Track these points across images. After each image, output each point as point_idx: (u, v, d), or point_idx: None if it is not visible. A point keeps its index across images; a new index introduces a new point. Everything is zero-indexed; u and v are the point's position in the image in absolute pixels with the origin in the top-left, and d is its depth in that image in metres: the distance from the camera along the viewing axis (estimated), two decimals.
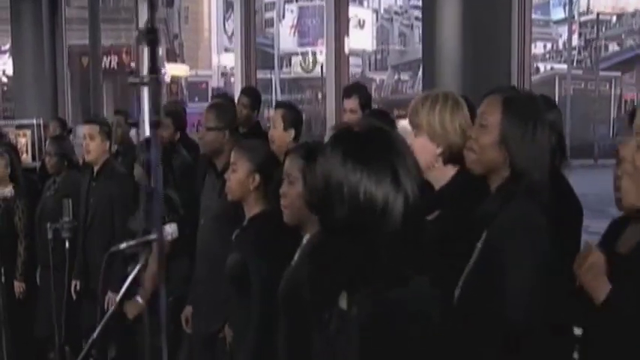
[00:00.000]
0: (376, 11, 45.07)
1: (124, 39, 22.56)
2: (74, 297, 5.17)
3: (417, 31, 39.79)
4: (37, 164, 7.19)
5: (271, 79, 43.31)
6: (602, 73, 30.06)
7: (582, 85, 28.84)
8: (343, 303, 2.14)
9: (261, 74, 42.61)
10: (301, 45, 43.33)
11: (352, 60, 33.98)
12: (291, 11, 43.83)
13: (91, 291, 4.93)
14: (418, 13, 41.73)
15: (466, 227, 2.39)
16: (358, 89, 5.09)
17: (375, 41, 44.36)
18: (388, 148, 1.71)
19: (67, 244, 3.73)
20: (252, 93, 5.96)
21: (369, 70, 42.34)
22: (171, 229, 2.78)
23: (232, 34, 45.57)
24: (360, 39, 42.96)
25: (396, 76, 39.88)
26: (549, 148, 2.48)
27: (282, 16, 43.15)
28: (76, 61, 23.13)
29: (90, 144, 5.00)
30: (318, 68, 36.16)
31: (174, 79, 25.30)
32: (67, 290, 4.69)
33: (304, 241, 2.80)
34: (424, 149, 2.58)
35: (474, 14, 5.23)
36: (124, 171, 5.17)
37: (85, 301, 5.08)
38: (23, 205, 5.55)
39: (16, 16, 8.05)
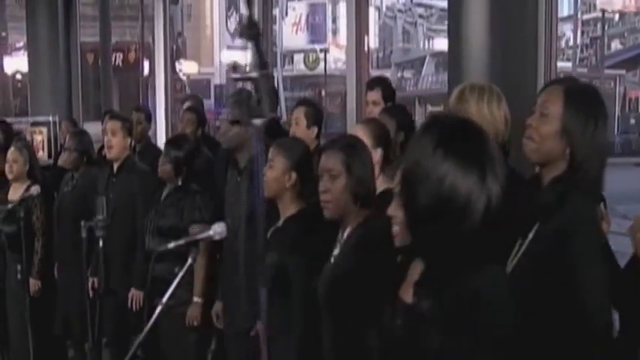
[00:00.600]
0: (378, 9, 45.01)
1: (128, 36, 22.48)
2: (91, 294, 5.15)
3: (421, 29, 39.87)
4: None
5: (274, 77, 43.34)
6: (606, 71, 30.05)
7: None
8: (408, 296, 2.12)
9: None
10: (304, 42, 43.29)
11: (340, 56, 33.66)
12: (294, 9, 43.75)
13: (112, 289, 4.91)
14: (422, 11, 41.81)
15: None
16: (381, 82, 5.12)
17: (377, 39, 44.29)
18: (480, 146, 1.69)
19: (100, 243, 3.68)
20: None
21: (371, 67, 42.26)
22: (220, 229, 2.75)
23: (235, 31, 45.56)
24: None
25: (399, 74, 39.86)
26: (608, 144, 2.49)
27: (284, 14, 43.07)
28: (84, 58, 23.19)
29: (112, 140, 5.00)
30: (321, 66, 36.09)
31: (178, 78, 25.19)
32: (99, 288, 4.63)
33: (344, 235, 2.78)
34: None
35: (501, 9, 5.19)
36: (145, 167, 5.15)
37: (104, 299, 4.99)
38: (41, 203, 5.54)
39: (32, 13, 8.02)
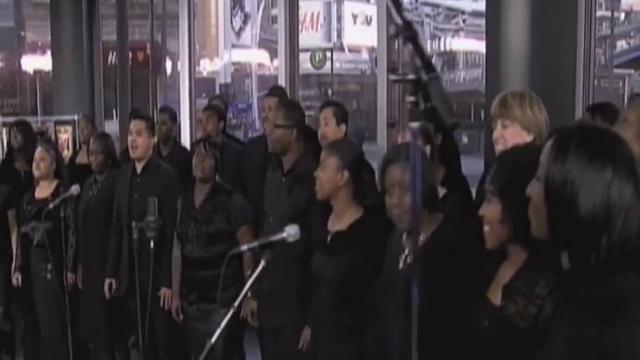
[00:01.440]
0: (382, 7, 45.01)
1: (137, 35, 22.39)
2: (107, 295, 5.18)
3: (428, 28, 39.77)
4: None
5: (277, 76, 43.31)
6: (615, 71, 29.95)
7: (595, 83, 28.66)
8: (496, 299, 2.11)
9: (267, 70, 42.35)
10: (309, 41, 43.25)
11: (356, 56, 33.87)
12: (299, 7, 43.77)
13: (136, 290, 4.86)
14: (428, 10, 41.75)
15: None
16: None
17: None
18: (628, 152, 1.69)
19: (151, 244, 3.66)
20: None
21: (374, 67, 42.24)
22: (293, 231, 2.74)
23: (240, 30, 45.49)
24: (367, 36, 42.89)
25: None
26: None
27: None
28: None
29: (137, 139, 4.98)
30: (327, 64, 36.02)
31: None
32: (151, 291, 4.60)
33: (420, 240, 2.76)
34: (516, 136, 2.91)
35: (540, 14, 5.17)
36: (170, 168, 5.14)
37: (130, 300, 5.03)
38: (73, 199, 5.52)
39: (56, 12, 8.01)
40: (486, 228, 2.16)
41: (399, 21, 1.43)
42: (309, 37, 43.98)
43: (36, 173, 5.50)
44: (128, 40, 10.17)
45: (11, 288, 5.72)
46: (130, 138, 5.01)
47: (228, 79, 43.09)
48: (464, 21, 36.80)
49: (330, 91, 34.50)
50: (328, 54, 36.30)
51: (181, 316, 4.74)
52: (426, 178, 2.71)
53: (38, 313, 5.55)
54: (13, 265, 5.62)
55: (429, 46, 40.28)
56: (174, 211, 4.70)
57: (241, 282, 4.47)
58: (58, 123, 7.84)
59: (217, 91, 40.60)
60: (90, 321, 5.33)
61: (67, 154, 7.38)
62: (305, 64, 42.85)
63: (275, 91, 5.68)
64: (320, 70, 36.24)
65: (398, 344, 2.72)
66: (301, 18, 44.70)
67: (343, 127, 4.70)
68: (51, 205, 4.70)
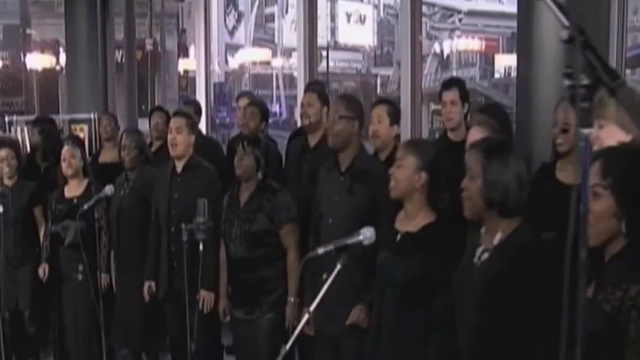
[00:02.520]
0: (376, 7, 44.93)
1: (137, 33, 22.27)
2: (147, 298, 5.08)
3: (424, 27, 39.73)
4: None
5: (271, 74, 43.21)
6: None
7: None
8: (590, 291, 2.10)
9: (261, 69, 42.15)
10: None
11: (351, 55, 33.75)
12: (293, 6, 43.66)
13: (176, 293, 4.81)
14: (425, 9, 41.70)
15: None
16: (457, 82, 5.07)
17: (375, 37, 44.21)
18: None
19: (200, 246, 3.59)
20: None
21: (373, 65, 42.22)
22: (369, 234, 2.69)
23: (233, 28, 45.35)
24: (361, 34, 42.88)
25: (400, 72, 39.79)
26: None
27: (284, 11, 42.97)
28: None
29: (177, 137, 4.87)
30: (323, 64, 35.94)
31: (185, 74, 24.99)
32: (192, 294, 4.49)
33: (495, 241, 2.72)
34: (614, 135, 2.75)
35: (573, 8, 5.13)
36: (211, 166, 5.04)
37: (168, 304, 4.98)
38: (104, 196, 5.43)
39: (71, 10, 7.93)
40: (592, 223, 2.13)
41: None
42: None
43: (67, 172, 5.39)
44: (135, 38, 10.05)
45: (38, 290, 5.63)
46: (169, 136, 4.90)
47: (222, 79, 42.90)
48: (460, 20, 36.79)
49: (326, 90, 34.34)
50: (324, 53, 36.24)
51: (228, 318, 4.66)
52: (490, 177, 2.65)
53: (66, 314, 5.44)
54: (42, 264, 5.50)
55: (425, 46, 40.44)
56: (218, 210, 4.62)
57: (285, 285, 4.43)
58: (73, 121, 7.75)
59: (212, 89, 40.63)
60: (123, 324, 5.23)
61: None
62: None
63: (314, 86, 5.57)
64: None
65: (471, 345, 2.68)
66: (295, 16, 44.55)
67: (396, 128, 4.60)
68: (86, 206, 4.60)
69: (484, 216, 2.71)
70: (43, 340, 5.96)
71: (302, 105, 5.12)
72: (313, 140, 5.05)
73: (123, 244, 5.28)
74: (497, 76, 36.04)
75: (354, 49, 42.83)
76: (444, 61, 38.10)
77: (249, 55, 42.52)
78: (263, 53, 41.79)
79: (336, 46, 41.56)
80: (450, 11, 37.83)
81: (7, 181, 5.63)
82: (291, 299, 4.35)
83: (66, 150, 5.45)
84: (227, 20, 44.92)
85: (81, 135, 7.65)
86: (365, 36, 43.34)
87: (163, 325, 5.17)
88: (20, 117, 7.86)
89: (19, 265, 5.64)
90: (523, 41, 5.46)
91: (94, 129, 7.71)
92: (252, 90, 44.27)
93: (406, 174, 3.26)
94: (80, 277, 5.31)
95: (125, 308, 5.27)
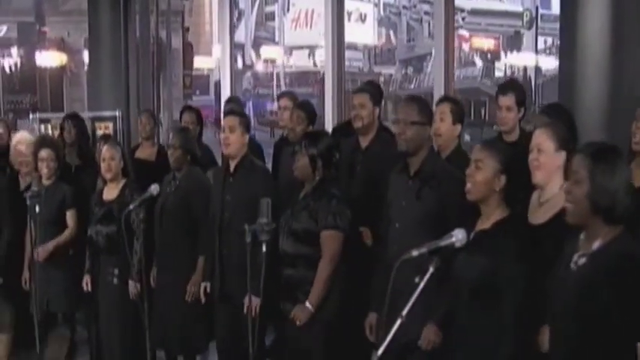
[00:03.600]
0: (377, 5, 44.87)
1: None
2: (203, 300, 4.99)
3: (427, 26, 39.65)
4: None
5: (273, 72, 43.15)
6: None
7: None
8: None
9: (262, 68, 42.10)
10: (303, 38, 43.11)
11: (352, 54, 33.60)
12: (294, 4, 43.59)
13: (226, 295, 4.77)
14: (428, 8, 41.64)
15: None
16: (514, 86, 5.01)
17: (376, 35, 44.16)
18: None
19: (264, 248, 3.52)
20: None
21: (374, 64, 42.15)
22: (461, 235, 2.62)
23: (234, 27, 45.31)
24: (362, 33, 42.78)
25: (403, 71, 39.73)
26: None
27: (286, 10, 42.91)
28: None
29: (229, 136, 4.76)
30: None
31: (188, 73, 24.82)
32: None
33: (594, 246, 2.65)
34: None
35: (617, 15, 5.07)
36: (264, 165, 4.96)
37: (219, 305, 4.90)
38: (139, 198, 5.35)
39: (94, 7, 7.85)
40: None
41: None
42: (304, 35, 43.88)
43: (107, 175, 5.29)
44: (151, 36, 9.95)
45: (74, 293, 5.55)
46: (222, 135, 4.82)
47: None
48: (463, 19, 36.70)
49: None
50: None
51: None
52: (598, 181, 2.57)
53: (102, 318, 5.36)
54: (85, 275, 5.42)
55: (428, 44, 40.33)
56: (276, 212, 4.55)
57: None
58: (96, 119, 7.67)
59: (212, 87, 40.45)
60: (161, 325, 5.12)
61: None
62: (299, 61, 42.79)
63: (365, 87, 5.46)
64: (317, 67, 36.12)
65: (565, 352, 2.62)
66: (296, 15, 44.81)
67: (459, 127, 4.52)
68: (132, 206, 4.50)
69: (587, 221, 2.64)
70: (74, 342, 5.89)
71: (353, 106, 5.01)
72: (365, 141, 4.98)
73: (164, 244, 5.17)
74: (497, 74, 36.02)
75: (355, 47, 42.71)
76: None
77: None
78: (270, 50, 41.47)
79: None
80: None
81: (44, 182, 5.53)
82: (307, 305, 4.24)
83: (105, 150, 5.33)
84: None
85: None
86: (366, 34, 43.26)
87: (203, 327, 5.10)
88: (44, 114, 7.74)
89: (51, 268, 5.54)
90: (566, 42, 5.42)
91: (120, 126, 7.65)
92: (252, 88, 44.27)
93: (486, 177, 3.20)
94: (115, 281, 5.24)
95: (163, 309, 5.16)
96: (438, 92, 6.40)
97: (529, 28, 32.65)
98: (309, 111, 5.54)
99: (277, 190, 4.75)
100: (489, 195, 3.21)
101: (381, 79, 38.12)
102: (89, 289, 5.36)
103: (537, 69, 30.85)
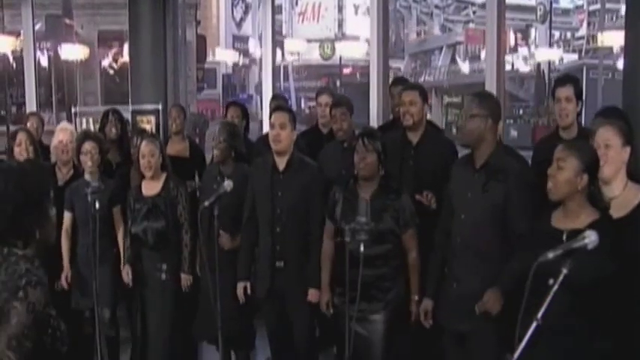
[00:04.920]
0: None
1: None
2: (242, 300, 4.89)
3: (437, 20, 39.54)
4: None
5: (280, 66, 43.10)
6: None
7: (609, 75, 28.60)
8: None
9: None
10: (310, 32, 43.07)
11: (352, 46, 33.45)
12: None
13: (277, 292, 4.70)
14: (438, 1, 41.46)
15: None
16: (571, 79, 4.95)
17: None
18: None
19: (361, 248, 3.44)
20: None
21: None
22: (593, 237, 2.57)
23: (241, 20, 45.28)
24: (368, 26, 42.71)
25: (413, 64, 39.66)
26: None
27: (294, 3, 42.84)
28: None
29: (281, 133, 4.68)
30: (336, 55, 35.83)
31: (200, 67, 24.71)
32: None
33: None
34: None
35: None
36: (314, 162, 4.88)
37: (267, 302, 4.82)
38: (185, 193, 5.28)
39: (134, 1, 7.75)
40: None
41: None
42: (311, 28, 43.84)
43: (147, 170, 5.17)
44: (179, 30, 9.85)
45: (118, 291, 5.46)
46: (272, 132, 4.71)
47: (230, 70, 42.76)
48: (474, 12, 36.65)
49: (338, 82, 34.27)
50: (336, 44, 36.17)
51: (331, 310, 4.52)
52: None
53: (149, 314, 5.26)
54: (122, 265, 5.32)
55: (438, 38, 40.22)
56: (323, 207, 4.50)
57: (401, 284, 4.35)
58: (137, 113, 7.55)
59: (220, 81, 40.40)
60: (211, 322, 4.89)
61: None
62: (307, 55, 42.71)
63: (414, 85, 5.40)
64: (327, 60, 36.10)
65: None
66: (302, 8, 44.79)
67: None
68: (207, 203, 4.39)
69: None
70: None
71: (403, 103, 4.94)
72: (415, 137, 4.92)
73: (211, 237, 5.06)
74: (507, 67, 35.95)
75: (354, 39, 42.63)
76: (458, 54, 38.06)
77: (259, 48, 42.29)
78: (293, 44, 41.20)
79: (344, 38, 41.43)
80: (464, 3, 37.72)
81: (87, 177, 5.39)
82: (415, 297, 4.30)
83: (144, 146, 5.22)
84: (234, 12, 44.74)
85: (147, 127, 7.46)
86: (366, 27, 43.19)
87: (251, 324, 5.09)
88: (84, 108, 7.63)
89: (98, 264, 5.44)
90: (633, 39, 5.33)
91: (162, 120, 7.55)
92: (260, 82, 44.17)
93: (568, 176, 3.20)
94: (164, 276, 5.16)
95: (213, 306, 5.06)
96: (490, 83, 6.30)
97: (543, 22, 32.56)
98: (349, 105, 5.49)
99: (328, 187, 4.66)
100: (572, 194, 3.20)
101: (390, 73, 38.07)
102: (130, 280, 5.27)
103: (550, 63, 30.78)
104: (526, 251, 3.34)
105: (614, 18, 42.52)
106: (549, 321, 3.17)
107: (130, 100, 7.68)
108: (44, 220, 2.55)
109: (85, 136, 5.58)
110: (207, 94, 33.68)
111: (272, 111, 4.98)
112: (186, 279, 5.17)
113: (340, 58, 34.27)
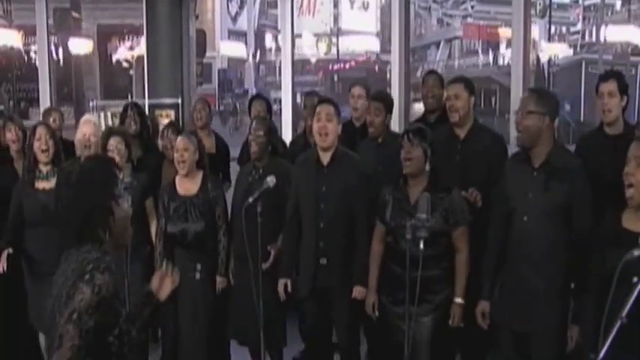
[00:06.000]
0: None
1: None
2: (283, 297, 4.76)
3: (435, 14, 39.47)
4: None
5: (275, 61, 42.93)
6: (632, 59, 29.82)
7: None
8: None
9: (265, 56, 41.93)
10: (307, 26, 42.88)
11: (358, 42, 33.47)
12: None
13: (320, 290, 4.59)
14: None
15: None
16: (615, 74, 4.84)
17: (379, 23, 44.05)
18: None
19: (421, 245, 3.33)
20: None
21: (379, 51, 42.02)
22: None
23: (236, 15, 45.15)
24: (364, 21, 42.67)
25: (411, 59, 39.61)
26: None
27: None
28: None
29: (327, 126, 4.55)
30: (334, 50, 35.73)
31: (199, 61, 24.49)
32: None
33: None
34: None
35: None
36: (357, 156, 4.75)
37: (310, 300, 4.69)
38: (223, 195, 5.14)
39: None
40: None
41: None
42: (306, 22, 43.63)
43: (181, 166, 5.00)
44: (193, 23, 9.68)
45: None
46: (317, 124, 4.55)
47: (225, 65, 42.58)
48: (472, 7, 36.57)
49: (336, 77, 34.17)
50: (334, 39, 36.03)
51: (376, 313, 4.41)
52: None
53: (182, 314, 5.13)
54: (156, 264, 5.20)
55: (436, 32, 40.10)
56: (368, 202, 4.39)
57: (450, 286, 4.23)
58: (156, 107, 7.43)
59: (215, 76, 40.21)
60: (244, 321, 4.91)
61: None
62: (301, 49, 42.55)
63: (459, 77, 5.28)
64: (326, 55, 35.97)
65: None
66: (298, 3, 44.53)
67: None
68: (250, 199, 4.27)
69: None
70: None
71: (449, 97, 4.82)
72: (462, 132, 4.80)
73: (248, 235, 4.92)
74: (501, 62, 35.91)
75: (353, 33, 42.57)
76: (452, 48, 37.99)
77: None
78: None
79: (340, 32, 41.31)
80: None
81: (118, 173, 5.25)
82: (459, 300, 4.16)
83: (180, 141, 5.05)
84: (230, 6, 44.51)
85: (166, 121, 7.33)
86: (368, 22, 43.13)
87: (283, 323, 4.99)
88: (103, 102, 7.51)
89: (130, 262, 5.32)
90: None
91: (181, 114, 7.44)
92: (258, 77, 44.05)
93: None
94: (198, 276, 5.03)
95: (247, 305, 4.89)
96: (516, 76, 6.21)
97: (542, 17, 32.47)
98: (386, 101, 5.34)
99: (373, 182, 4.55)
100: None
101: (388, 67, 37.96)
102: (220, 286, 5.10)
103: (549, 58, 30.69)
104: (593, 252, 3.27)
105: (610, 13, 42.61)
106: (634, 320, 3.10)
107: (98, 94, 7.55)
108: (110, 220, 2.48)
109: (109, 132, 5.44)
110: (204, 89, 33.50)
111: (317, 104, 4.79)
112: (221, 282, 5.02)
113: (338, 52, 34.18)
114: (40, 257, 5.01)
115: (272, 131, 5.11)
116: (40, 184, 5.08)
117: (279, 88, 27.83)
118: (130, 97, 20.12)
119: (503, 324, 3.96)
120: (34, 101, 18.35)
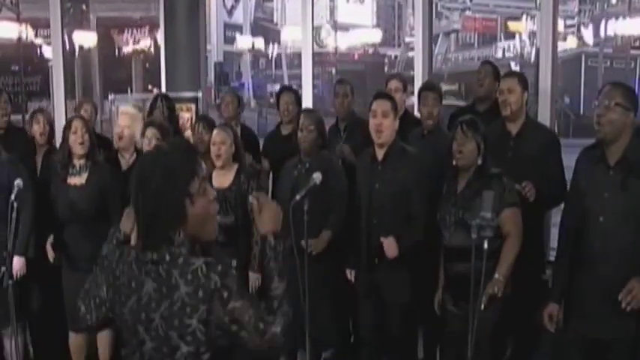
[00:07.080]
0: None
1: (153, 11, 21.69)
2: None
3: (434, 7, 39.20)
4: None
5: (270, 53, 42.74)
6: (632, 52, 29.74)
7: (608, 64, 28.56)
8: None
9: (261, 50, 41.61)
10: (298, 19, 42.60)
11: (347, 34, 33.12)
12: None
13: (375, 286, 4.55)
14: None
15: None
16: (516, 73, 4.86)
17: (375, 17, 43.84)
18: None
19: (485, 245, 3.22)
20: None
21: (379, 45, 41.81)
22: None
23: (232, 8, 44.82)
24: (360, 14, 42.39)
25: (409, 53, 39.42)
26: None
27: None
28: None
29: (383, 122, 4.49)
30: (331, 43, 35.54)
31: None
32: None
33: None
34: None
35: None
36: (414, 150, 4.64)
37: (364, 301, 4.68)
38: (256, 187, 5.02)
39: None
40: None
41: None
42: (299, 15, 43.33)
43: (217, 159, 4.93)
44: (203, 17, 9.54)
45: None
46: (372, 121, 4.47)
47: (221, 58, 42.34)
48: (471, 0, 36.44)
49: (334, 70, 34.00)
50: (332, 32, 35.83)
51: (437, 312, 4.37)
52: None
53: None
54: None
55: (434, 25, 39.92)
56: (425, 198, 4.33)
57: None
58: (175, 100, 7.29)
59: (212, 69, 39.96)
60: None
61: (189, 135, 6.75)
62: (298, 42, 42.35)
63: (513, 71, 5.20)
64: (323, 49, 35.69)
65: None
66: None
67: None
68: (298, 197, 4.15)
69: None
70: None
71: (501, 91, 4.72)
72: (514, 128, 4.71)
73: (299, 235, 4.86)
74: (499, 55, 35.81)
75: (349, 27, 42.34)
76: (454, 41, 37.87)
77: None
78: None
79: (337, 26, 41.09)
80: None
81: None
82: (498, 276, 3.97)
83: (216, 134, 4.98)
84: (225, 0, 44.21)
85: (186, 115, 7.22)
86: (364, 16, 42.89)
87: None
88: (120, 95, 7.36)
89: None
90: None
91: (202, 109, 7.32)
92: (251, 69, 43.80)
93: None
94: (234, 272, 4.91)
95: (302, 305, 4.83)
96: (545, 69, 6.11)
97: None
98: (440, 91, 5.30)
99: (431, 178, 4.46)
100: None
101: (386, 60, 37.92)
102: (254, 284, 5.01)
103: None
104: None
105: (606, 6, 42.52)
106: None
107: (97, 88, 7.41)
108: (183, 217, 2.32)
109: (149, 123, 5.36)
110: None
111: (373, 99, 4.64)
112: (255, 278, 4.91)
113: (336, 47, 34.04)
114: (72, 253, 4.97)
115: (321, 124, 5.03)
116: (72, 180, 4.97)
117: (275, 81, 27.89)
118: (129, 90, 20.07)
119: (572, 328, 3.77)
120: (33, 95, 18.25)
